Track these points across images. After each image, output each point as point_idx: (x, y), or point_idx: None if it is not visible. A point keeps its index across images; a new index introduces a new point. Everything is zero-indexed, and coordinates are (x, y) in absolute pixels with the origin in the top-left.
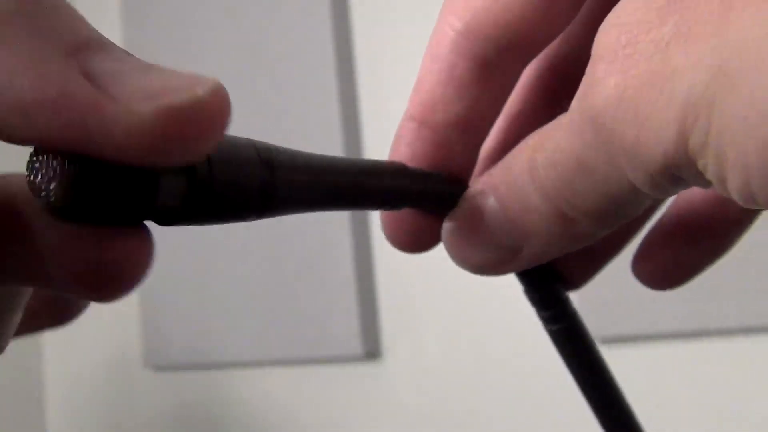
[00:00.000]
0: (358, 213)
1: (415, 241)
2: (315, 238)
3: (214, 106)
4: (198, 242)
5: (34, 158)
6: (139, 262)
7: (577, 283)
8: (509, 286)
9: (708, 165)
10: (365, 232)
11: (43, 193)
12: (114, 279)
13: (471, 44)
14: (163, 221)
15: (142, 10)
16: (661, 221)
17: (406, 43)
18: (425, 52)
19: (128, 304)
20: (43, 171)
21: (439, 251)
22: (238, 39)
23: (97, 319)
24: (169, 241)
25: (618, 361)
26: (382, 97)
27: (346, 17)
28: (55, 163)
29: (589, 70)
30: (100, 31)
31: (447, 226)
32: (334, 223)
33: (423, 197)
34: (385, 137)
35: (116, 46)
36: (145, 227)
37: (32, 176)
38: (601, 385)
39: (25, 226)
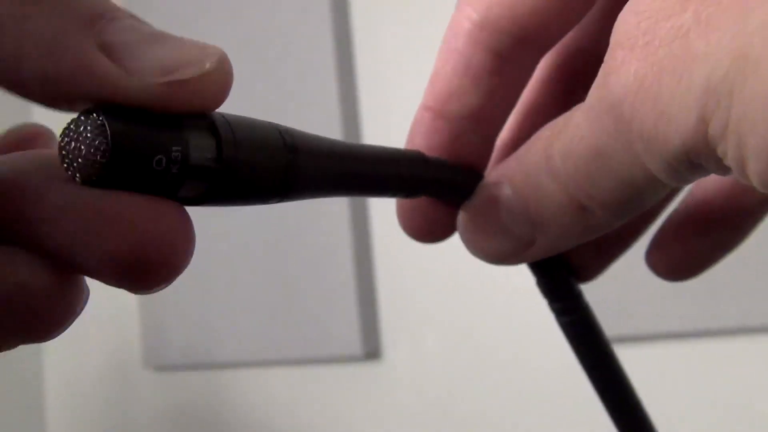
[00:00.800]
0: (359, 212)
1: (430, 231)
2: (315, 238)
3: (220, 77)
4: (198, 243)
5: (68, 130)
6: (179, 246)
7: (589, 275)
8: (509, 285)
9: (728, 151)
10: (365, 232)
11: (81, 159)
12: (153, 262)
13: (487, 36)
14: (190, 201)
15: (142, 9)
16: (675, 212)
17: (405, 43)
18: (441, 43)
19: (128, 304)
20: (78, 140)
21: (440, 251)
22: (238, 39)
23: (97, 319)
24: None
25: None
26: (382, 97)
27: (346, 17)
28: (90, 128)
29: (607, 57)
30: None
31: (463, 215)
32: (334, 222)
33: (440, 186)
34: (385, 136)
35: (129, 14)
36: (185, 212)
37: (67, 148)
38: (613, 378)
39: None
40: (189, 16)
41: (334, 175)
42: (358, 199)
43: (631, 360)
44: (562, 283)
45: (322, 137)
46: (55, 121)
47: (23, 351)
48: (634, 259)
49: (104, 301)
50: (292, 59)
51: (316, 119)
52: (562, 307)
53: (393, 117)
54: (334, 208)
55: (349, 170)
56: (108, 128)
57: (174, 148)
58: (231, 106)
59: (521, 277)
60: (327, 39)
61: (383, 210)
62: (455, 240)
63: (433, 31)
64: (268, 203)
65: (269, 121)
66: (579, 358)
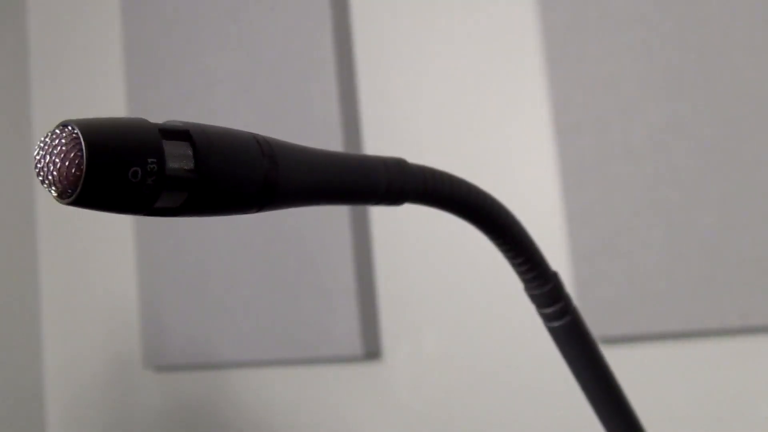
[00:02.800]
0: (359, 213)
1: None
2: (315, 239)
3: None
4: (198, 243)
5: (42, 143)
6: None
7: None
8: (508, 287)
9: None
10: (365, 233)
11: (56, 173)
12: None
13: None
14: (168, 211)
15: (142, 10)
16: None
17: (405, 43)
18: None
19: (128, 305)
20: (53, 153)
21: (439, 252)
22: (238, 39)
23: (97, 319)
24: (170, 242)
25: (618, 361)
26: (382, 97)
27: (346, 17)
28: (65, 141)
29: None
30: (100, 31)
31: None
32: (334, 223)
33: (422, 195)
34: (385, 136)
35: None
36: None
37: (42, 162)
38: (601, 382)
39: None
40: (189, 17)
41: (314, 184)
42: None
43: (628, 360)
44: (549, 289)
45: (301, 146)
46: (55, 120)
47: (23, 351)
48: (632, 258)
49: (104, 302)
50: (292, 59)
51: (316, 120)
52: (550, 313)
53: (393, 117)
54: (334, 209)
55: (328, 179)
56: (83, 141)
57: (150, 160)
58: (232, 107)
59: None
60: (327, 39)
61: (383, 211)
62: (455, 241)
63: (432, 31)
64: (247, 213)
65: (248, 130)
66: (567, 363)
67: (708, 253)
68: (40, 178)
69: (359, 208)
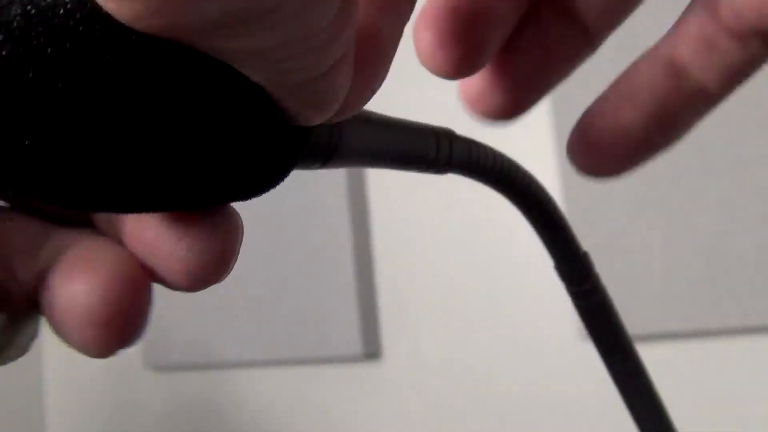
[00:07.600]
0: (359, 213)
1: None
2: (315, 238)
3: None
4: None
5: None
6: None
7: (517, 110)
8: (508, 287)
9: None
10: (365, 232)
11: None
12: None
13: None
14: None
15: None
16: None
17: (405, 42)
18: None
19: None
20: None
21: (439, 251)
22: None
23: None
24: None
25: None
26: (381, 96)
27: None
28: None
29: None
30: None
31: None
32: (334, 222)
33: (466, 165)
34: None
35: None
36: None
37: None
38: (626, 358)
39: None
40: None
41: (370, 147)
42: (358, 200)
43: None
44: (580, 268)
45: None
46: None
47: None
48: (632, 259)
49: None
50: None
51: None
52: (579, 291)
53: (392, 115)
54: (334, 208)
55: (385, 143)
56: None
57: None
58: None
59: (520, 277)
60: None
61: (383, 210)
62: (455, 241)
63: None
64: (309, 169)
65: None
66: (593, 340)
67: (708, 253)
68: None
69: (359, 207)
